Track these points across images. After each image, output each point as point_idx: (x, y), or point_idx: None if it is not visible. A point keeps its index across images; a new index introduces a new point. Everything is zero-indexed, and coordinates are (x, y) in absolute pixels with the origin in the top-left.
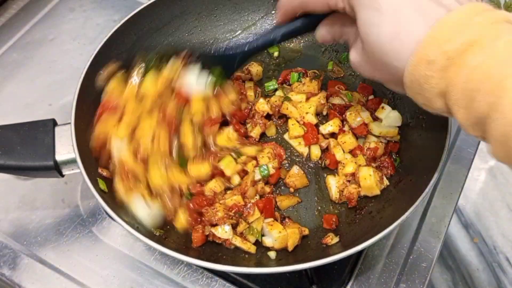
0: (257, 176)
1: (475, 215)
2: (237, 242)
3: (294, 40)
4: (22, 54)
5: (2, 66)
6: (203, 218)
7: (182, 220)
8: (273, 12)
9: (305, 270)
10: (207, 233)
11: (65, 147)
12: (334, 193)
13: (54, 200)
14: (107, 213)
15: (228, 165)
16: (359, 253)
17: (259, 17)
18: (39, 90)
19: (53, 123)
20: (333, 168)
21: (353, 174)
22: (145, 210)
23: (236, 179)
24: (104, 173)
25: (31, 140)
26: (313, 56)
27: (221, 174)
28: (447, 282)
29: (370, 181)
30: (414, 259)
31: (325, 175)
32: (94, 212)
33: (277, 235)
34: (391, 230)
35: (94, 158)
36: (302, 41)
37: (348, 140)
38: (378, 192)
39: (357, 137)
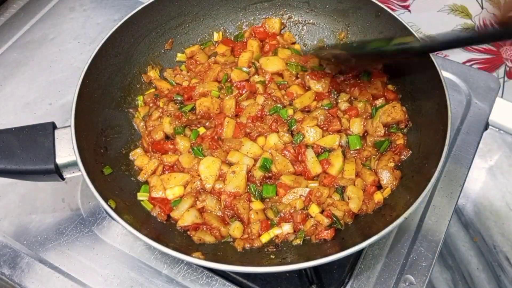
0: None
1: (475, 215)
2: None
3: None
4: (23, 54)
5: (2, 65)
6: None
7: None
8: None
9: (305, 269)
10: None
11: (66, 150)
12: None
13: (54, 200)
14: (107, 213)
15: None
16: (359, 252)
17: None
18: (39, 89)
19: (53, 126)
20: None
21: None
22: None
23: None
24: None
25: (31, 143)
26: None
27: None
28: (447, 282)
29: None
30: (414, 258)
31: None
32: (94, 212)
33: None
34: (391, 230)
35: None
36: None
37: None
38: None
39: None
